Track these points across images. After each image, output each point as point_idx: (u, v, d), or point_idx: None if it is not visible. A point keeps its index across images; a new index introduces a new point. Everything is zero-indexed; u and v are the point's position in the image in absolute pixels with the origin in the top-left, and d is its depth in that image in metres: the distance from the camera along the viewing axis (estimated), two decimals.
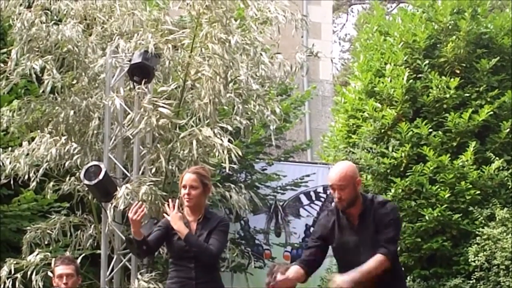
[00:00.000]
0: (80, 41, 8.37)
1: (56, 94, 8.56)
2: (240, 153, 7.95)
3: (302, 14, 8.93)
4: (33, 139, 8.46)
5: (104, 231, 8.24)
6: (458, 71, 11.40)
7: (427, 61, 11.35)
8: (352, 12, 28.94)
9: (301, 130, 15.78)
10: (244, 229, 11.65)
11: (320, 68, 16.46)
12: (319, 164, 12.84)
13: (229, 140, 7.90)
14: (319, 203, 12.47)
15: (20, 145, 8.49)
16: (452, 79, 11.17)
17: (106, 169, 7.90)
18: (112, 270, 8.31)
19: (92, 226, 8.59)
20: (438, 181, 10.85)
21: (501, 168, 10.85)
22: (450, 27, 11.50)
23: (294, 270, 5.76)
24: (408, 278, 10.34)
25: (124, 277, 8.53)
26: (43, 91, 8.37)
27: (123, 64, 8.31)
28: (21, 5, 8.39)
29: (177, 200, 6.27)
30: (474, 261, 10.25)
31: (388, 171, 11.08)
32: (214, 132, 7.87)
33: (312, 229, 12.28)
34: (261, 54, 8.45)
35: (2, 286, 8.10)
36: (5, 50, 9.13)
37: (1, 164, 8.37)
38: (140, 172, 8.24)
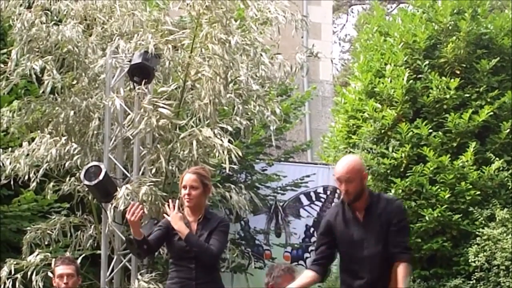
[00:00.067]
0: (80, 41, 8.37)
1: (56, 95, 8.55)
2: (240, 154, 7.95)
3: (302, 15, 8.94)
4: (33, 139, 8.46)
5: (104, 231, 8.24)
6: (458, 72, 11.41)
7: (427, 62, 11.35)
8: (352, 12, 28.95)
9: (301, 130, 15.77)
10: (244, 230, 11.65)
11: (320, 69, 16.46)
12: (319, 165, 12.85)
13: (229, 141, 7.90)
14: (319, 204, 12.46)
15: (20, 145, 8.49)
16: (452, 80, 11.17)
17: (106, 170, 7.90)
18: (112, 270, 8.31)
19: (92, 226, 8.59)
20: (438, 181, 10.85)
21: (501, 168, 10.86)
22: (450, 27, 11.51)
23: (303, 276, 5.82)
24: (408, 278, 10.34)
25: (124, 277, 8.53)
26: (43, 92, 8.37)
27: (123, 65, 8.31)
28: (21, 5, 8.39)
29: (177, 201, 6.27)
30: (474, 262, 10.26)
31: (388, 171, 11.08)
32: (214, 132, 7.87)
33: (312, 229, 12.31)
34: (261, 55, 8.45)
35: (2, 286, 8.10)
36: (5, 50, 9.13)
37: (1, 164, 8.37)
38: (140, 172, 8.24)
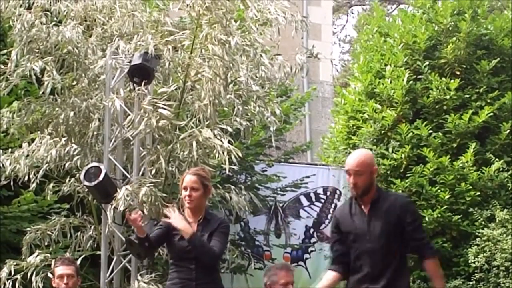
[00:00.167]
0: (80, 42, 8.37)
1: (56, 95, 8.55)
2: (240, 155, 7.95)
3: (302, 15, 8.93)
4: (33, 140, 8.46)
5: (104, 232, 8.24)
6: (458, 73, 11.41)
7: (427, 63, 11.35)
8: (352, 13, 28.95)
9: (301, 131, 15.78)
10: (244, 230, 11.65)
11: (320, 70, 16.47)
12: (319, 166, 12.85)
13: (229, 142, 7.89)
14: (319, 205, 12.47)
15: (20, 146, 8.49)
16: (452, 81, 11.17)
17: (106, 171, 7.89)
18: (112, 271, 8.30)
19: (92, 227, 8.59)
20: (438, 182, 10.85)
21: (501, 169, 10.86)
22: (450, 28, 11.51)
23: (325, 279, 5.87)
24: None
25: (124, 278, 8.53)
26: (43, 92, 8.37)
27: (123, 65, 8.31)
28: (21, 6, 8.39)
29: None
30: (474, 262, 10.25)
31: (388, 172, 11.08)
32: (214, 133, 7.87)
33: (312, 230, 12.31)
34: (261, 56, 8.45)
35: (2, 287, 8.10)
36: (5, 51, 9.13)
37: (1, 165, 8.37)
38: (140, 173, 8.24)
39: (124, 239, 7.96)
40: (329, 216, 12.26)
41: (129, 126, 8.24)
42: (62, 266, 7.00)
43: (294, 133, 14.78)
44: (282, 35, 8.60)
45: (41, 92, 8.43)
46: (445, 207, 10.68)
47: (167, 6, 9.29)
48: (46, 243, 8.43)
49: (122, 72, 8.37)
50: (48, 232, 8.44)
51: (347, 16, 28.78)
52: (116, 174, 8.43)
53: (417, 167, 10.92)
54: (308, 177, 12.30)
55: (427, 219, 10.50)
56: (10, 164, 8.29)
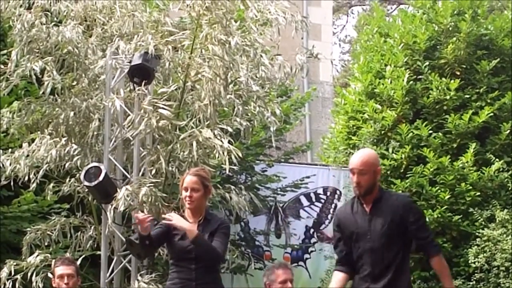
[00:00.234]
0: (80, 42, 8.36)
1: (56, 96, 8.55)
2: (240, 155, 7.95)
3: (302, 16, 8.93)
4: (33, 140, 8.45)
5: (104, 232, 8.23)
6: (458, 73, 11.42)
7: (427, 63, 11.36)
8: (352, 13, 28.96)
9: (301, 131, 15.78)
10: (244, 231, 11.64)
11: (320, 70, 16.47)
12: (319, 166, 12.84)
13: (229, 142, 7.89)
14: (319, 205, 12.46)
15: (20, 146, 8.49)
16: (452, 81, 11.18)
17: (106, 171, 7.89)
18: (112, 271, 8.30)
19: (92, 227, 8.59)
20: (438, 182, 10.86)
21: (501, 169, 10.87)
22: (450, 28, 11.51)
23: (334, 281, 5.88)
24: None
25: (124, 278, 8.53)
26: (43, 93, 8.37)
27: (123, 66, 8.31)
28: (21, 6, 8.39)
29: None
30: (474, 263, 10.26)
31: (388, 172, 11.08)
32: (214, 133, 7.87)
33: (312, 230, 12.31)
34: (261, 56, 8.44)
35: (2, 287, 8.10)
36: (5, 51, 9.13)
37: (1, 165, 8.37)
38: (140, 173, 8.24)
39: (124, 239, 7.95)
40: (329, 217, 12.25)
41: (129, 126, 8.24)
42: (62, 266, 7.01)
43: (294, 133, 14.78)
44: (282, 35, 8.60)
45: (41, 92, 8.43)
46: (445, 207, 10.68)
47: (167, 6, 9.28)
48: (46, 243, 8.43)
49: (122, 72, 8.37)
50: (48, 232, 8.44)
51: (347, 16, 28.80)
52: (116, 174, 8.43)
53: (417, 167, 10.93)
54: (308, 177, 12.29)
55: (427, 219, 10.49)
56: (10, 164, 8.29)
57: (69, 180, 8.53)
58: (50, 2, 8.49)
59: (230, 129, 8.16)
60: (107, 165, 8.22)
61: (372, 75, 11.69)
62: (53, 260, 7.42)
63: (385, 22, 12.39)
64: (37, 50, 8.35)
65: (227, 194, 8.43)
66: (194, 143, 7.87)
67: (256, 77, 8.46)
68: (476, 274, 10.28)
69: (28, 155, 8.28)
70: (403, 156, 11.05)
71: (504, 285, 10.07)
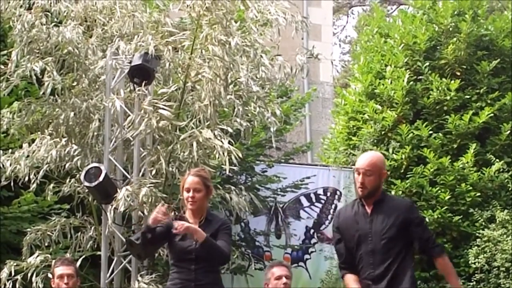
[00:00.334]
0: (81, 43, 8.36)
1: (56, 96, 8.55)
2: (240, 155, 7.94)
3: (302, 16, 8.92)
4: (33, 141, 8.45)
5: (104, 233, 8.23)
6: (458, 73, 11.43)
7: (427, 63, 11.37)
8: (353, 14, 28.96)
9: (301, 132, 15.77)
10: (244, 231, 11.63)
11: (320, 70, 16.46)
12: (320, 166, 12.84)
13: (229, 142, 7.89)
14: (319, 205, 12.45)
15: (20, 147, 8.48)
16: (452, 81, 11.19)
17: (106, 171, 7.89)
18: (112, 271, 8.30)
19: (92, 228, 8.59)
20: (439, 183, 10.86)
21: (501, 170, 10.88)
22: (450, 29, 11.52)
23: (352, 282, 5.84)
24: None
25: (124, 278, 8.53)
26: (43, 93, 8.36)
27: (123, 66, 8.31)
28: (21, 6, 8.38)
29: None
30: (474, 263, 10.26)
31: (389, 173, 11.07)
32: (214, 134, 7.86)
33: (312, 231, 12.30)
34: (261, 56, 8.44)
35: (2, 287, 8.10)
36: (5, 52, 9.13)
37: (1, 166, 8.36)
38: (140, 174, 8.23)
39: (124, 239, 7.95)
40: (329, 217, 12.24)
41: (129, 126, 8.24)
42: (62, 266, 7.01)
43: (294, 133, 14.77)
44: (282, 35, 8.59)
45: (41, 93, 8.43)
46: (446, 207, 10.69)
47: (167, 6, 9.27)
48: (46, 244, 8.42)
49: (122, 72, 8.37)
50: (48, 233, 8.43)
51: (347, 16, 28.79)
52: (116, 175, 8.43)
53: (418, 168, 10.93)
54: (308, 177, 12.28)
55: (427, 219, 10.51)
56: (10, 165, 8.28)
57: (69, 181, 8.52)
58: (50, 3, 8.49)
59: (230, 130, 8.16)
60: (107, 165, 8.22)
61: (372, 75, 11.70)
62: (53, 261, 7.42)
63: (385, 22, 12.40)
64: (37, 51, 8.35)
65: (227, 195, 8.42)
66: (194, 144, 7.86)
67: (256, 77, 8.45)
68: (476, 275, 10.29)
69: (28, 156, 8.27)
70: (403, 156, 11.06)
71: (504, 285, 10.07)
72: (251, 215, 10.93)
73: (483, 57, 11.43)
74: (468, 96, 11.26)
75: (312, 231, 12.34)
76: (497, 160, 10.86)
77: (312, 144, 14.28)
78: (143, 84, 8.02)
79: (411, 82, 11.29)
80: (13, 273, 8.10)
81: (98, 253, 8.46)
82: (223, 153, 7.73)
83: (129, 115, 8.27)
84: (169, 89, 8.25)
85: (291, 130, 12.85)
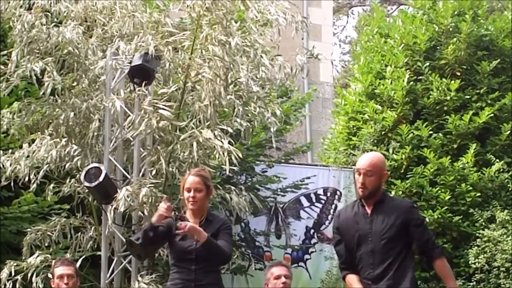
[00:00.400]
0: (81, 43, 8.36)
1: (57, 96, 8.54)
2: (241, 155, 7.94)
3: (302, 16, 8.92)
4: (33, 141, 8.45)
5: (104, 233, 8.23)
6: (458, 73, 11.43)
7: (427, 63, 11.37)
8: (353, 14, 28.96)
9: (301, 132, 15.77)
10: (244, 231, 11.64)
11: (320, 70, 16.46)
12: (320, 166, 12.84)
13: (229, 142, 7.89)
14: (320, 205, 12.45)
15: (21, 147, 8.48)
16: (452, 81, 11.19)
17: (106, 171, 7.89)
18: (113, 272, 8.30)
19: (93, 228, 8.59)
20: (439, 183, 10.86)
21: (501, 170, 10.88)
22: (450, 29, 11.52)
23: (355, 282, 5.83)
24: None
25: (125, 279, 8.53)
26: (43, 93, 8.36)
27: (123, 66, 8.31)
28: (21, 7, 8.38)
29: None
30: (474, 263, 10.26)
31: (389, 173, 11.08)
32: (214, 134, 7.86)
33: (312, 231, 12.30)
34: (261, 56, 8.44)
35: None
36: (5, 52, 9.13)
37: (2, 166, 8.36)
38: (141, 174, 8.23)
39: (124, 240, 7.95)
40: (329, 217, 12.24)
41: (129, 127, 8.24)
42: (62, 267, 7.01)
43: (294, 134, 14.77)
44: (283, 36, 8.59)
45: (41, 93, 8.42)
46: (446, 208, 10.69)
47: (168, 7, 9.28)
48: (46, 244, 8.42)
49: (122, 73, 8.37)
50: (49, 233, 8.43)
51: (348, 17, 28.79)
52: (117, 175, 8.43)
53: (418, 168, 10.93)
54: (308, 178, 12.28)
55: (427, 220, 10.51)
56: (10, 165, 8.28)
57: (69, 181, 8.52)
58: (50, 3, 8.49)
59: (230, 130, 8.16)
60: (107, 165, 8.22)
61: (372, 75, 11.69)
62: (53, 261, 7.42)
63: (385, 22, 12.41)
64: (37, 51, 8.34)
65: (227, 195, 8.42)
66: (195, 144, 7.86)
67: (257, 77, 8.45)
68: (476, 275, 10.29)
69: (28, 156, 8.27)
70: (403, 156, 11.05)
71: (505, 285, 10.07)
72: (251, 215, 10.93)
73: (483, 57, 11.43)
74: (468, 96, 11.27)
75: (312, 231, 12.34)
76: (497, 160, 10.86)
77: (312, 144, 14.28)
78: (143, 84, 8.02)
79: (411, 82, 11.29)
80: (13, 273, 8.09)
81: (98, 253, 8.46)
82: (223, 153, 7.73)
83: (129, 115, 8.27)
84: (169, 89, 8.25)
85: (291, 130, 12.85)
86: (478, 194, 10.78)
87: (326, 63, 14.61)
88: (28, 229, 8.52)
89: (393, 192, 10.73)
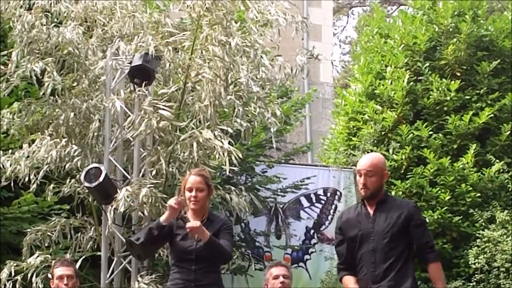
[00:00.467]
0: (81, 43, 8.36)
1: (57, 96, 8.55)
2: (241, 156, 7.94)
3: (302, 17, 8.93)
4: (33, 141, 8.45)
5: (104, 233, 8.23)
6: (458, 74, 11.42)
7: (427, 64, 11.37)
8: (353, 14, 28.96)
9: (301, 132, 15.77)
10: (244, 232, 11.63)
11: (320, 71, 16.46)
12: (320, 167, 12.83)
13: (229, 143, 7.89)
14: (320, 206, 12.44)
15: (21, 147, 8.48)
16: (452, 82, 11.19)
17: (106, 172, 7.89)
18: (113, 272, 8.30)
19: (92, 228, 8.59)
20: (439, 183, 10.86)
21: (501, 170, 10.87)
22: (450, 29, 11.52)
23: (351, 282, 5.84)
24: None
25: (125, 279, 8.53)
26: (43, 93, 8.36)
27: (123, 66, 8.31)
28: (21, 7, 8.38)
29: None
30: (474, 264, 10.26)
31: (389, 173, 11.08)
32: (214, 134, 7.86)
33: (312, 231, 12.30)
34: (261, 57, 8.44)
35: None
36: (5, 52, 9.13)
37: (2, 166, 8.36)
38: (141, 174, 8.23)
39: (124, 240, 7.95)
40: (329, 217, 12.24)
41: (129, 127, 8.24)
42: (62, 267, 7.01)
43: (294, 134, 14.77)
44: (283, 36, 8.59)
45: (41, 93, 8.43)
46: (446, 208, 10.69)
47: (168, 7, 9.28)
48: (46, 244, 8.42)
49: (122, 73, 8.37)
50: (49, 233, 8.43)
51: (348, 17, 28.79)
52: (117, 175, 8.43)
53: (418, 168, 10.93)
54: (308, 178, 12.28)
55: (427, 220, 10.49)
56: (10, 165, 8.28)
57: (69, 181, 8.53)
58: (51, 3, 8.49)
59: (230, 130, 8.16)
60: (107, 166, 8.22)
61: (372, 76, 11.69)
62: (53, 261, 7.42)
63: (385, 23, 12.40)
64: (38, 51, 8.35)
65: (228, 195, 8.42)
66: (195, 144, 7.86)
67: (257, 78, 8.46)
68: (476, 275, 10.28)
69: (28, 156, 8.27)
70: (403, 157, 11.05)
71: (504, 286, 10.07)
72: (251, 216, 10.93)
73: (483, 58, 11.43)
74: (468, 97, 11.26)
75: (312, 231, 12.33)
76: (497, 160, 10.86)
77: (312, 144, 14.28)
78: (143, 84, 8.02)
79: (411, 83, 11.29)
80: (13, 274, 8.10)
81: (98, 253, 8.46)
82: (223, 154, 7.73)
83: (129, 116, 8.27)
84: (169, 89, 8.25)
85: (291, 130, 12.85)
86: (478, 194, 10.78)
87: (326, 63, 14.62)
88: (28, 230, 8.52)
89: (393, 193, 10.73)
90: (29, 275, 8.08)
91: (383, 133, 11.38)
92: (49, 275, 7.42)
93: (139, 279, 7.93)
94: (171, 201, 6.10)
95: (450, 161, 10.89)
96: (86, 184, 7.87)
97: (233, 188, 8.59)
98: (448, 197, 10.68)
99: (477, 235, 10.42)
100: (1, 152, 8.52)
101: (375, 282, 5.69)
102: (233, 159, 7.73)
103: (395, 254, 5.70)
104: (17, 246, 8.86)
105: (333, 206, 12.29)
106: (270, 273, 7.08)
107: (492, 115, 11.04)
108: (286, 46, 8.94)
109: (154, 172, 8.14)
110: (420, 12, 11.93)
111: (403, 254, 5.74)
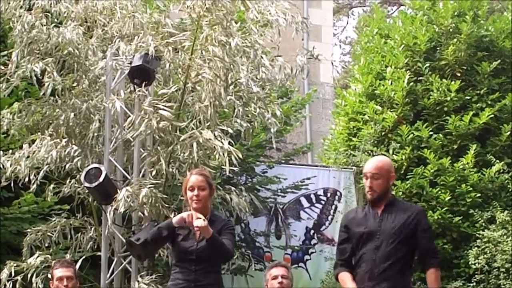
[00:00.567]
0: (81, 43, 8.37)
1: (57, 97, 8.55)
2: (241, 156, 7.94)
3: (302, 17, 8.93)
4: (33, 141, 8.45)
5: (104, 233, 8.23)
6: (459, 74, 11.42)
7: (427, 64, 11.36)
8: (353, 14, 28.95)
9: (301, 132, 15.76)
10: (244, 232, 11.64)
11: (320, 71, 16.46)
12: (320, 167, 12.84)
13: (229, 143, 7.89)
14: (320, 206, 12.45)
15: (21, 147, 8.49)
16: (452, 82, 11.18)
17: (106, 172, 7.89)
18: (113, 272, 8.30)
19: (93, 228, 8.59)
20: (439, 183, 10.86)
21: (501, 171, 10.87)
22: (451, 30, 11.52)
23: (348, 280, 5.84)
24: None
25: (125, 279, 8.53)
26: (43, 94, 8.37)
27: (123, 67, 8.32)
28: (21, 7, 8.39)
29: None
30: (474, 264, 10.25)
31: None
32: (214, 134, 7.87)
33: (312, 231, 12.30)
34: (261, 57, 8.45)
35: None
36: (5, 52, 9.13)
37: (2, 166, 8.37)
38: (141, 174, 8.23)
39: (124, 240, 7.95)
40: (329, 218, 12.25)
41: (129, 127, 8.24)
42: (61, 268, 7.00)
43: (294, 134, 14.76)
44: (283, 36, 8.59)
45: (41, 93, 8.43)
46: (446, 208, 10.68)
47: (168, 7, 9.28)
48: (46, 244, 8.42)
49: (122, 73, 8.37)
50: (49, 234, 8.44)
51: (348, 17, 28.79)
52: (117, 175, 8.43)
53: (418, 169, 10.93)
54: (308, 178, 12.28)
55: None
56: (10, 165, 8.29)
57: (70, 181, 8.53)
58: (51, 3, 8.49)
59: (230, 131, 8.16)
60: (108, 166, 8.22)
61: (372, 76, 11.69)
62: (53, 262, 7.42)
63: (385, 23, 12.40)
64: (38, 51, 8.35)
65: (228, 195, 8.43)
66: (195, 144, 7.87)
67: (257, 78, 8.46)
68: (476, 276, 10.28)
69: (28, 156, 8.28)
70: (403, 157, 11.05)
71: (505, 286, 10.06)
72: (251, 216, 10.93)
73: (483, 58, 11.43)
74: (468, 97, 11.26)
75: (312, 231, 12.34)
76: (497, 161, 10.86)
77: (312, 145, 14.28)
78: (143, 85, 8.03)
79: (411, 83, 11.29)
80: (13, 274, 8.10)
81: (98, 253, 8.46)
82: (223, 154, 7.73)
83: (129, 116, 8.27)
84: (169, 90, 8.25)
85: (291, 131, 12.85)
86: (478, 194, 10.77)
87: (326, 63, 14.62)
88: (28, 230, 8.52)
89: (393, 193, 10.73)
90: (29, 275, 8.08)
91: (383, 133, 11.38)
92: (49, 276, 7.42)
93: (139, 279, 7.93)
94: (189, 214, 6.03)
95: (450, 161, 10.88)
96: (86, 185, 7.87)
97: (233, 188, 8.59)
98: (448, 197, 10.68)
99: (477, 235, 10.41)
100: (1, 152, 8.52)
101: (372, 279, 5.69)
102: (233, 159, 7.73)
103: (397, 255, 5.70)
104: (17, 247, 8.86)
105: (333, 207, 12.29)
106: (269, 274, 7.12)
107: (492, 115, 11.04)
108: (286, 46, 8.94)
109: (154, 173, 8.14)
110: (420, 12, 11.92)
111: (404, 257, 5.75)
